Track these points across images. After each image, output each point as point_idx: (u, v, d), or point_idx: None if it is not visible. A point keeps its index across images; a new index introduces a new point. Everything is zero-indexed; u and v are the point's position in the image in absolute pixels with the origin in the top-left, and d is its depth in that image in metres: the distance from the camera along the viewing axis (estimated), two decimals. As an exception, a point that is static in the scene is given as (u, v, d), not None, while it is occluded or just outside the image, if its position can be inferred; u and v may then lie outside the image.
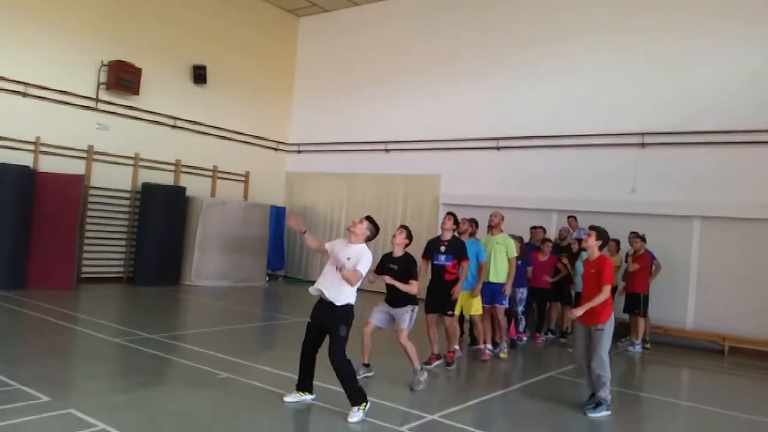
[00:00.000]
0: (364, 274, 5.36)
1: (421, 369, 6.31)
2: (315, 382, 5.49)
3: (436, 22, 14.71)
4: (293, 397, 5.46)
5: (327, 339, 5.35)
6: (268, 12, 16.52)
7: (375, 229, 5.63)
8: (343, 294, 5.28)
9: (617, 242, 10.30)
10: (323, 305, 5.39)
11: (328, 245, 5.63)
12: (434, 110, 14.34)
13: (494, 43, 13.64)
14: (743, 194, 10.43)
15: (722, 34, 10.97)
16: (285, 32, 17.12)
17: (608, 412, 5.88)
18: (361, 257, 5.31)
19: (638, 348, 9.79)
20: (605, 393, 5.90)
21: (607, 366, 5.92)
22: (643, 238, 10.06)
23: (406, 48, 15.12)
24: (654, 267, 10.21)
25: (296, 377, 5.52)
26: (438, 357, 7.46)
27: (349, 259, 5.29)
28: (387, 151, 15.18)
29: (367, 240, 5.57)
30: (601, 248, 6.15)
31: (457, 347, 8.06)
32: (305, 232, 5.70)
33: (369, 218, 5.67)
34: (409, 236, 6.41)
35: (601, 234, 6.13)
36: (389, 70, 15.33)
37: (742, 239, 10.47)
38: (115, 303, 11.21)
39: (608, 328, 5.91)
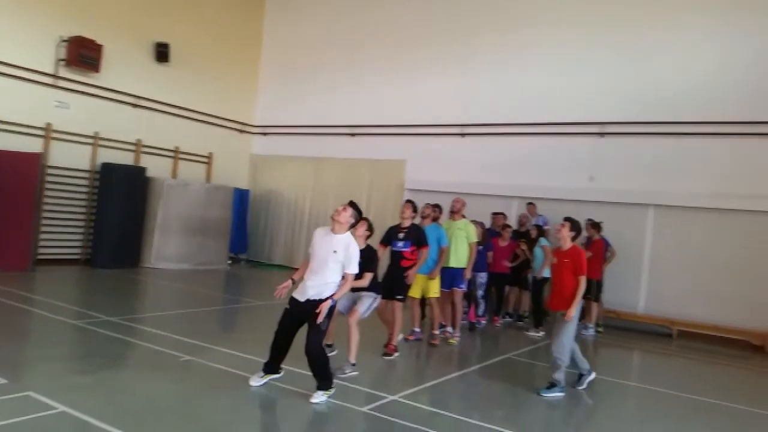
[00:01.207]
0: (357, 270, 5.34)
1: (354, 365, 6.19)
2: (289, 367, 5.50)
3: (404, 9, 14.72)
4: (259, 380, 5.43)
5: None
6: (233, -10, 16.29)
7: (359, 215, 5.55)
8: (327, 289, 5.23)
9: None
10: (304, 294, 5.28)
11: (309, 248, 5.44)
12: (400, 96, 14.40)
13: (460, 30, 13.73)
14: (696, 184, 10.84)
15: (681, 27, 11.29)
16: (251, 12, 16.89)
17: (562, 394, 6.13)
18: (350, 251, 5.22)
19: (591, 331, 10.13)
20: (560, 375, 6.16)
21: (567, 351, 6.19)
22: (596, 226, 10.34)
23: (374, 33, 15.11)
24: (609, 254, 10.55)
25: (260, 360, 5.56)
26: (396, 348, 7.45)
27: (335, 252, 5.18)
28: (353, 135, 15.20)
29: (351, 227, 5.49)
30: (574, 239, 6.42)
31: (417, 329, 8.25)
32: (291, 281, 5.49)
33: (353, 204, 5.53)
34: (370, 228, 6.37)
35: (575, 225, 6.42)
36: (356, 55, 15.31)
37: (693, 228, 10.91)
38: (74, 285, 11.03)
39: (575, 315, 6.18)
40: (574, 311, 6.13)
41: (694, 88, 11.02)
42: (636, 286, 11.20)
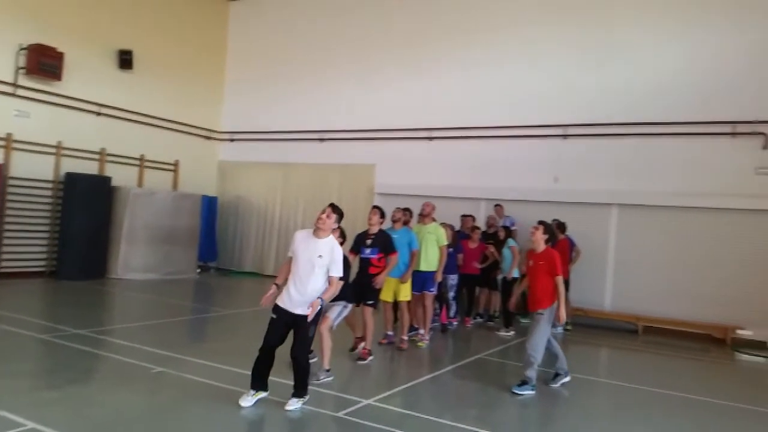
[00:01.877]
0: (342, 273, 5.30)
1: (328, 371, 6.22)
2: (248, 372, 5.38)
3: (369, 14, 14.81)
4: (250, 399, 5.16)
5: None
6: (197, -4, 16.17)
7: (341, 218, 5.44)
8: (314, 296, 5.14)
9: (542, 230, 10.78)
10: (293, 304, 5.14)
11: (290, 251, 5.30)
12: (369, 100, 14.49)
13: (426, 34, 13.88)
14: (658, 183, 11.16)
15: (643, 29, 11.60)
16: (215, 18, 16.78)
17: (532, 392, 6.27)
18: (334, 254, 5.17)
19: (560, 329, 10.31)
20: (532, 373, 6.32)
21: (541, 349, 6.39)
22: (561, 226, 10.55)
23: (340, 38, 15.16)
24: (574, 253, 10.77)
25: (233, 369, 5.54)
26: (363, 339, 7.46)
27: (320, 257, 5.10)
28: (322, 140, 15.21)
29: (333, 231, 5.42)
30: (547, 242, 6.61)
31: (390, 333, 8.31)
32: (275, 287, 5.33)
33: (335, 209, 5.35)
34: (342, 235, 6.37)
35: (548, 228, 6.67)
36: (324, 60, 15.34)
37: (655, 226, 11.23)
38: (39, 298, 10.79)
39: (548, 314, 6.41)
40: (564, 313, 6.38)
41: (655, 89, 11.33)
42: (602, 284, 11.46)
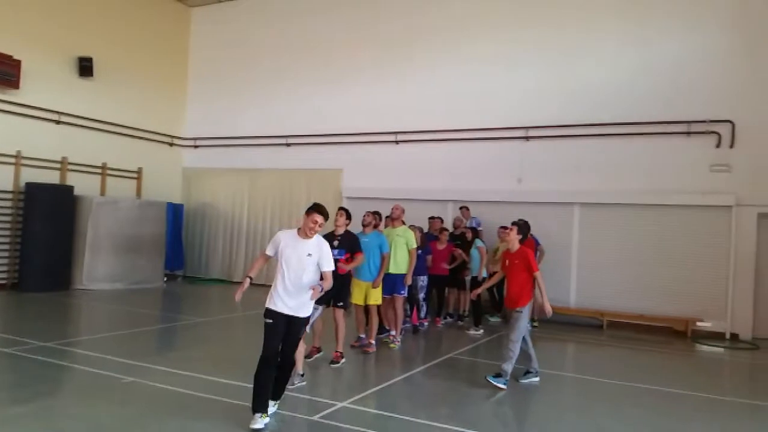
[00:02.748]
0: (333, 266, 5.27)
1: (302, 375, 6.24)
2: (236, 382, 5.33)
3: (334, 17, 14.86)
4: (262, 422, 4.85)
5: None
6: (158, 1, 15.95)
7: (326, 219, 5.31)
8: (308, 302, 5.11)
9: (506, 229, 10.98)
10: (290, 307, 5.04)
11: (270, 250, 5.17)
12: (334, 104, 14.53)
13: (391, 38, 14.01)
14: (618, 182, 11.51)
15: (600, 35, 11.96)
16: (176, 23, 16.60)
17: (504, 386, 6.47)
18: (323, 250, 5.14)
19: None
20: (508, 367, 6.58)
21: (518, 344, 6.63)
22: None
23: (305, 42, 15.17)
24: (538, 252, 11.00)
25: (205, 377, 5.50)
26: (319, 350, 7.54)
27: (310, 255, 5.06)
28: (288, 145, 15.19)
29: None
30: (521, 241, 6.85)
31: (362, 335, 8.37)
32: (249, 280, 5.18)
33: (320, 210, 5.19)
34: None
35: (522, 228, 6.90)
36: (287, 64, 15.32)
37: (617, 223, 11.57)
38: (0, 311, 10.50)
39: (525, 311, 6.68)
40: (549, 306, 6.61)
41: (614, 91, 11.67)
42: (566, 281, 11.75)
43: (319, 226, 5.11)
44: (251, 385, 4.95)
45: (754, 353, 9.63)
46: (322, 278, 5.19)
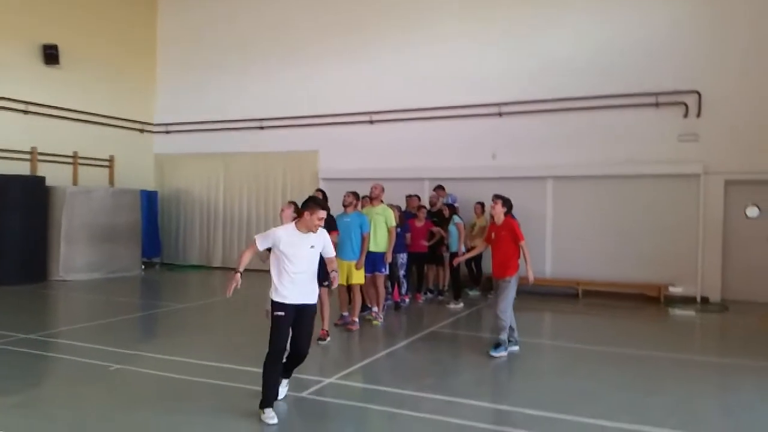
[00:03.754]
0: (334, 252, 5.41)
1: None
2: (222, 365, 5.39)
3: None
4: (274, 415, 4.76)
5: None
6: (122, -14, 15.65)
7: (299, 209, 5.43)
8: (315, 284, 5.17)
9: (482, 204, 11.18)
10: (300, 295, 4.99)
11: (262, 245, 5.02)
12: (308, 86, 14.47)
13: (364, 18, 13.95)
14: (589, 155, 11.75)
15: (566, 9, 12.07)
16: (144, 7, 16.28)
17: (505, 353, 6.78)
18: (325, 239, 5.16)
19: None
20: (504, 336, 6.85)
21: (509, 313, 6.86)
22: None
23: (275, 24, 15.02)
24: (516, 225, 11.20)
25: (190, 360, 5.55)
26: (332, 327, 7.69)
27: (312, 247, 5.05)
28: (262, 128, 15.11)
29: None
30: (506, 214, 7.05)
31: (345, 314, 8.50)
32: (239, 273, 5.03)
33: (322, 205, 5.14)
34: (297, 211, 6.40)
35: (506, 202, 7.09)
36: (257, 47, 15.18)
37: (589, 195, 11.85)
38: (-23, 306, 10.38)
39: (513, 281, 6.90)
40: (532, 275, 6.92)
41: (583, 65, 11.82)
42: (542, 253, 11.99)
43: (320, 222, 5.06)
44: (237, 367, 5.00)
45: (723, 315, 10.00)
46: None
